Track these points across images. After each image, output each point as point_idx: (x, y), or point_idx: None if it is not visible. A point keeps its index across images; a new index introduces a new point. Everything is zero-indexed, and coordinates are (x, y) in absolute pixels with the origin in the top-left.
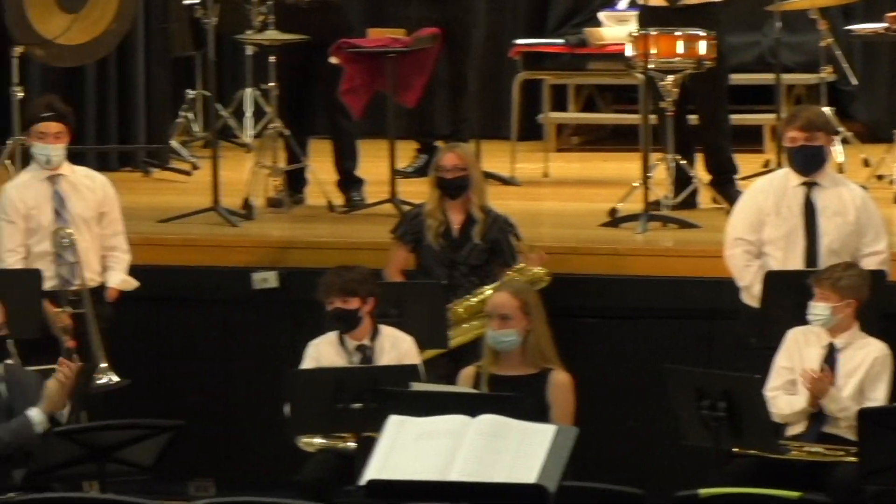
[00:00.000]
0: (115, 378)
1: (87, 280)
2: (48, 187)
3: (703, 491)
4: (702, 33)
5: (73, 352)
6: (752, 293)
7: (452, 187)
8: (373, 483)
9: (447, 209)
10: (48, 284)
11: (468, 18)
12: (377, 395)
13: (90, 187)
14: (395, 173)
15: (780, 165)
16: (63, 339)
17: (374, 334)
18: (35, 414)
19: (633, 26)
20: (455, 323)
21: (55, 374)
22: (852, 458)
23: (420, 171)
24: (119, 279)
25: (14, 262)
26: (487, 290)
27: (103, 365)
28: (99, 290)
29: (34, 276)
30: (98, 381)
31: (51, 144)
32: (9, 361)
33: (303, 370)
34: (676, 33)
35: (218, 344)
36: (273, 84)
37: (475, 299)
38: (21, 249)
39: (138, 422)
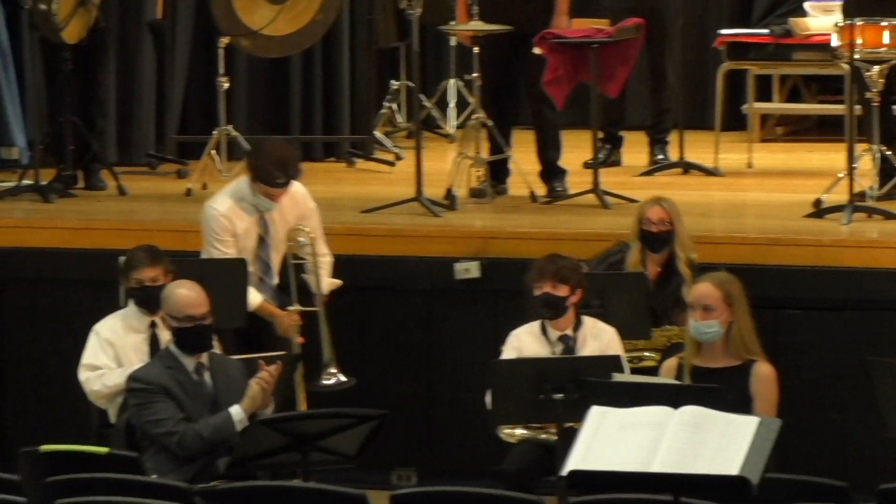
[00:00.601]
0: (343, 378)
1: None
2: (254, 213)
3: None
4: None
5: (301, 350)
6: None
7: (656, 241)
8: (574, 473)
9: (647, 261)
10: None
11: (666, 9)
12: (579, 385)
13: (291, 206)
14: (585, 165)
15: None
16: (292, 337)
17: (577, 325)
18: (236, 412)
19: (838, 16)
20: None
21: (258, 376)
22: None
23: (604, 162)
24: (326, 283)
25: None
26: (673, 329)
27: (332, 370)
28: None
29: (240, 265)
30: (325, 382)
31: (275, 202)
32: (214, 351)
33: (505, 360)
34: (883, 23)
35: (420, 334)
36: (476, 74)
37: (661, 335)
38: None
39: (342, 411)
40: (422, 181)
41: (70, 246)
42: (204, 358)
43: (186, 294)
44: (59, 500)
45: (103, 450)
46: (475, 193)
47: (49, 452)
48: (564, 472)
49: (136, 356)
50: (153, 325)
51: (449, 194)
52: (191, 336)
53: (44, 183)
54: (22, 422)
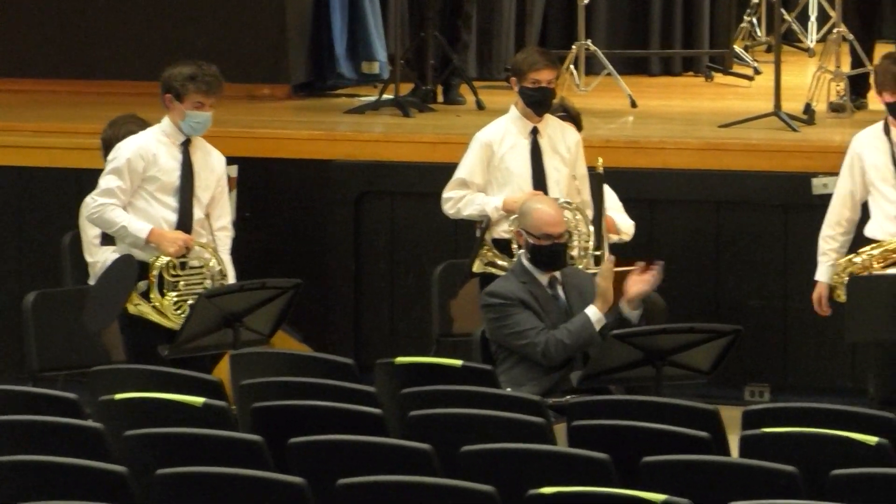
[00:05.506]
0: None
1: None
2: None
3: None
4: None
5: None
6: None
7: None
8: None
9: None
10: None
11: None
12: None
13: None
14: None
15: None
16: None
17: None
18: (593, 313)
19: None
20: None
21: (599, 272)
22: None
23: None
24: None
25: None
26: None
27: None
28: None
29: None
30: None
31: None
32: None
33: (863, 276)
34: None
35: (776, 249)
36: None
37: None
38: None
39: (697, 326)
40: (780, 95)
41: (428, 160)
42: (557, 272)
43: (547, 212)
44: (414, 412)
45: (457, 362)
46: (834, 108)
47: (404, 364)
48: None
49: (518, 164)
50: (535, 131)
51: (807, 109)
52: (546, 254)
53: (403, 96)
54: (378, 333)
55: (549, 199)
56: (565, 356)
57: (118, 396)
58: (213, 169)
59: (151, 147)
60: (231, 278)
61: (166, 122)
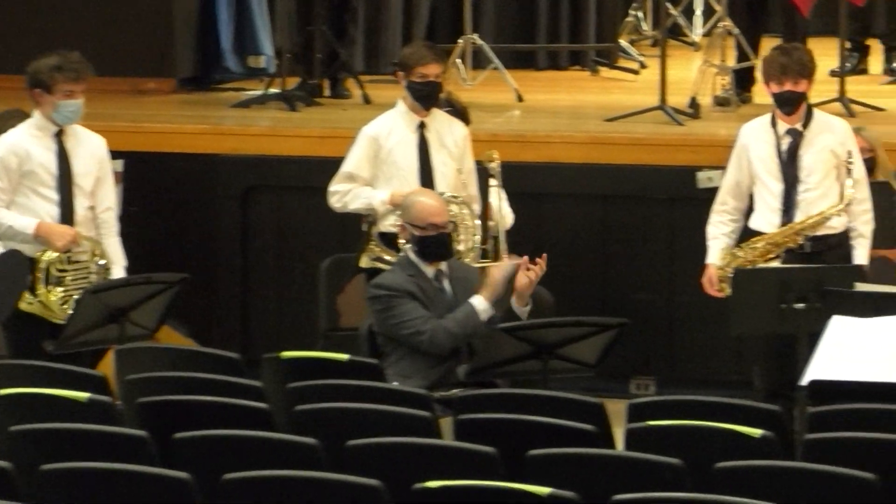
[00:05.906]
0: None
1: None
2: None
3: None
4: None
5: None
6: None
7: None
8: (815, 383)
9: None
10: None
11: None
12: (822, 295)
13: None
14: (831, 73)
15: None
16: None
17: (808, 119)
18: (479, 302)
19: None
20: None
21: (497, 264)
22: None
23: (852, 70)
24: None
25: None
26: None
27: None
28: None
29: None
30: None
31: None
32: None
33: (748, 269)
34: None
35: (662, 243)
36: None
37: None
38: None
39: (583, 319)
40: (665, 89)
41: (316, 154)
42: (443, 265)
43: (429, 203)
44: (300, 406)
45: (344, 357)
46: (719, 102)
47: (290, 359)
48: (804, 381)
49: (405, 158)
50: (422, 125)
51: (692, 103)
52: (433, 244)
53: (290, 90)
54: (265, 328)
55: (431, 191)
56: (453, 345)
57: (1, 392)
58: (92, 154)
59: (23, 142)
60: (122, 260)
61: (37, 116)
